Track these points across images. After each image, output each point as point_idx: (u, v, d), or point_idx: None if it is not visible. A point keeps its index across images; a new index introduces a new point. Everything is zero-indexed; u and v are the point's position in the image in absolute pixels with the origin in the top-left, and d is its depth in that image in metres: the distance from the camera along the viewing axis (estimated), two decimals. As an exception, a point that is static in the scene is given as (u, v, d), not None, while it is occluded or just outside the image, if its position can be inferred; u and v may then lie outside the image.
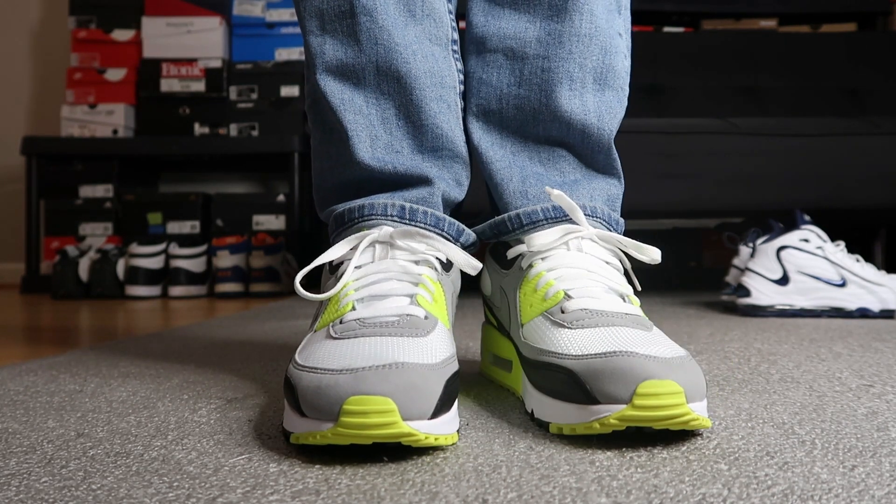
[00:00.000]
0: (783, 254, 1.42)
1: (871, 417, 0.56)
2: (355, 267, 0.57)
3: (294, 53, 2.79)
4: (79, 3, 2.79)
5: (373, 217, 0.62)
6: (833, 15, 2.77)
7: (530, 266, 0.60)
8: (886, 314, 1.37)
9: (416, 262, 0.58)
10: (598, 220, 0.65)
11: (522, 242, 0.62)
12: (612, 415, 0.46)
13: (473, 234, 0.67)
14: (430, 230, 0.63)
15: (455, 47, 0.69)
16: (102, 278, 2.31)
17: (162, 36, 2.75)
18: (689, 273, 2.48)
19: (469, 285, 0.76)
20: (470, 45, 0.70)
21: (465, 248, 0.66)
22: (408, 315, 0.52)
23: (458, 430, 0.49)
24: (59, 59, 3.04)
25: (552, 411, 0.50)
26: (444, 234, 0.64)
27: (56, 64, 3.06)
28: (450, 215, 0.67)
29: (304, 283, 0.56)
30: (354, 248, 0.59)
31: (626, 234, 0.67)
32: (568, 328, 0.53)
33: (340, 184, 0.68)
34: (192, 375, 0.76)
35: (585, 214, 0.64)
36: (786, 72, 2.50)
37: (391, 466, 0.44)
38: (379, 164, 0.65)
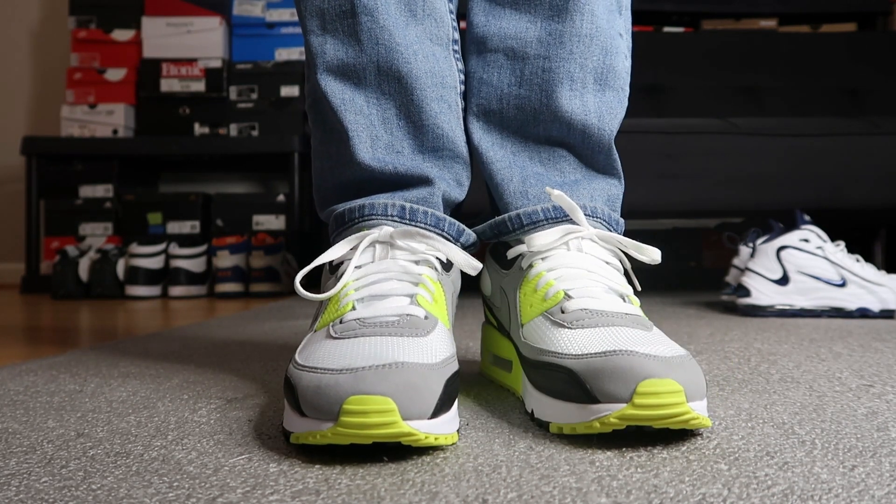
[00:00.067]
0: (783, 254, 1.42)
1: (871, 417, 0.56)
2: (355, 267, 0.57)
3: (294, 53, 2.79)
4: (79, 3, 2.79)
5: (373, 217, 0.62)
6: (833, 15, 2.77)
7: (530, 266, 0.60)
8: (886, 314, 1.37)
9: (417, 262, 0.58)
10: (599, 220, 0.65)
11: (522, 242, 0.62)
12: (612, 414, 0.46)
13: (474, 235, 0.67)
14: (430, 230, 0.63)
15: (456, 47, 0.69)
16: (102, 278, 2.31)
17: (162, 36, 2.75)
18: (689, 273, 2.48)
19: (469, 285, 0.76)
20: (470, 44, 0.70)
21: (465, 248, 0.66)
22: (408, 315, 0.52)
23: (458, 430, 0.49)
24: (59, 59, 3.04)
25: (552, 411, 0.50)
26: (445, 234, 0.64)
27: (56, 64, 3.06)
28: (450, 215, 0.67)
29: (304, 283, 0.56)
30: (354, 248, 0.59)
31: (626, 234, 0.67)
32: (568, 328, 0.53)
33: (341, 184, 0.68)
34: (192, 375, 0.76)
35: (586, 214, 0.64)
36: (786, 72, 2.50)
37: (391, 466, 0.44)
38: (379, 164, 0.65)
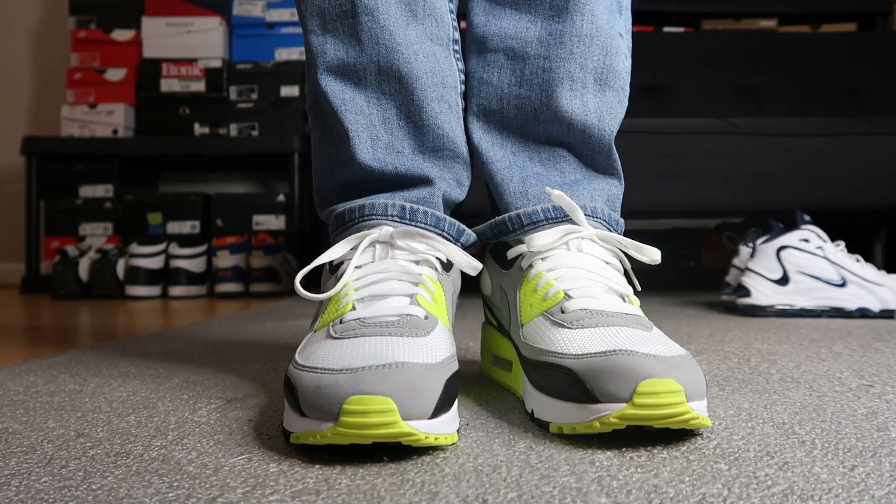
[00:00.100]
0: (783, 254, 1.42)
1: (871, 417, 0.56)
2: (355, 267, 0.57)
3: (294, 53, 2.79)
4: (79, 3, 2.79)
5: (373, 217, 0.62)
6: (833, 15, 2.77)
7: (530, 266, 0.60)
8: (886, 314, 1.37)
9: (417, 262, 0.58)
10: (599, 220, 0.65)
11: (522, 242, 0.62)
12: (612, 413, 0.46)
13: (474, 235, 0.67)
14: (430, 230, 0.63)
15: (456, 47, 0.69)
16: (102, 278, 2.31)
17: (162, 36, 2.75)
18: (689, 273, 2.48)
19: (469, 285, 0.76)
20: (471, 44, 0.70)
21: (465, 248, 0.66)
22: (408, 315, 0.52)
23: (458, 430, 0.49)
24: (59, 59, 3.04)
25: (552, 411, 0.50)
26: (445, 234, 0.64)
27: (56, 64, 3.06)
28: (450, 215, 0.67)
29: (304, 283, 0.56)
30: (354, 248, 0.59)
31: (626, 234, 0.67)
32: (568, 328, 0.53)
33: (341, 184, 0.68)
34: (192, 375, 0.76)
35: (586, 215, 0.64)
36: (786, 72, 2.50)
37: (391, 466, 0.44)
38: (379, 164, 0.65)
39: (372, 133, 0.65)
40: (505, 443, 0.49)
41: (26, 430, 0.54)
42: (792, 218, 1.46)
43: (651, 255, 0.60)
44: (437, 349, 0.49)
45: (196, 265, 2.38)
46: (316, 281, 0.68)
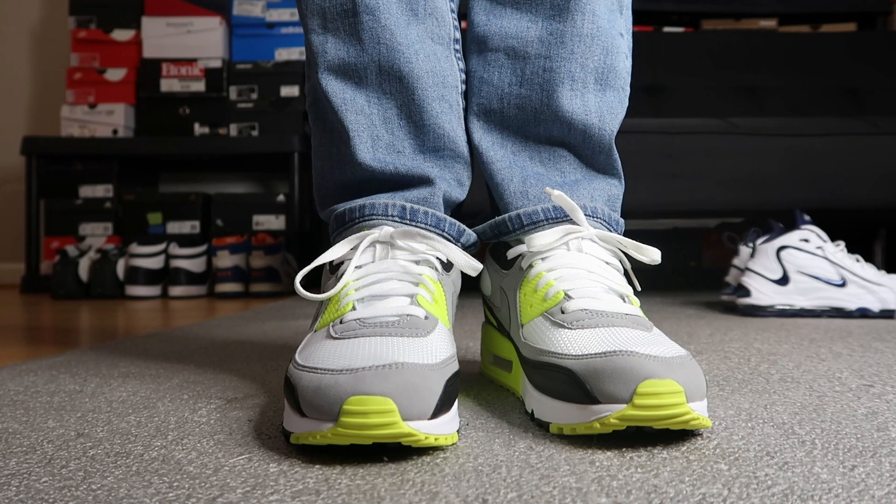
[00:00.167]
0: (783, 254, 1.42)
1: (871, 417, 0.56)
2: (356, 267, 0.57)
3: (294, 53, 2.79)
4: (79, 3, 2.79)
5: (373, 217, 0.62)
6: (833, 15, 2.77)
7: (530, 266, 0.60)
8: (886, 314, 1.37)
9: (417, 262, 0.58)
10: (599, 220, 0.65)
11: (523, 243, 0.62)
12: (612, 414, 0.46)
13: (474, 235, 0.67)
14: (430, 230, 0.63)
15: (457, 46, 0.69)
16: (102, 278, 2.31)
17: (162, 36, 2.75)
18: (689, 273, 2.48)
19: (469, 285, 0.76)
20: (471, 44, 0.70)
21: (465, 248, 0.66)
22: (408, 315, 0.52)
23: (458, 430, 0.49)
24: (59, 59, 3.03)
25: (552, 411, 0.50)
26: (445, 234, 0.64)
27: (56, 64, 3.06)
28: (450, 215, 0.67)
29: (304, 283, 0.56)
30: (355, 248, 0.59)
31: (626, 234, 0.67)
32: (568, 328, 0.53)
33: (341, 183, 0.67)
34: (192, 375, 0.76)
35: (586, 215, 0.64)
36: (786, 72, 2.50)
37: (391, 466, 0.44)
38: (380, 164, 0.65)
39: (372, 133, 0.65)
40: (505, 443, 0.49)
41: (26, 430, 0.54)
42: (792, 218, 1.46)
43: (651, 255, 0.60)
44: (437, 349, 0.49)
45: (196, 265, 2.38)
46: (316, 281, 0.68)
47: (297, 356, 0.51)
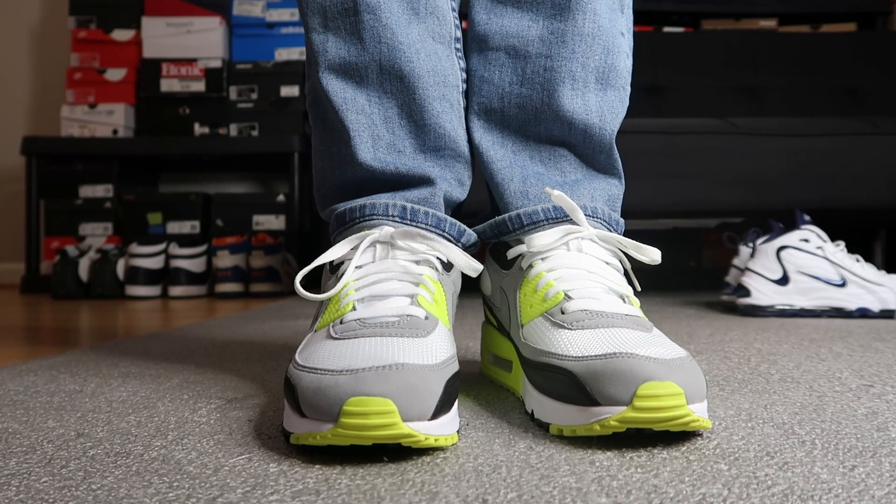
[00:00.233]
0: (783, 254, 1.42)
1: (871, 417, 0.56)
2: (356, 267, 0.57)
3: (294, 53, 2.79)
4: (79, 3, 2.79)
5: (374, 217, 0.62)
6: (833, 15, 2.77)
7: (530, 266, 0.60)
8: (886, 314, 1.37)
9: (417, 262, 0.58)
10: (599, 220, 0.65)
11: (523, 243, 0.62)
12: (612, 416, 0.46)
13: (475, 235, 0.67)
14: (431, 231, 0.63)
15: (458, 45, 0.69)
16: (102, 278, 2.31)
17: (162, 36, 2.75)
18: (689, 273, 2.48)
19: (469, 285, 0.76)
20: (472, 43, 0.70)
21: (466, 248, 0.66)
22: (408, 315, 0.52)
23: (458, 431, 0.49)
24: (59, 59, 3.04)
25: (552, 412, 0.50)
26: (446, 234, 0.64)
27: (56, 64, 3.06)
28: (451, 215, 0.67)
29: (304, 284, 0.56)
30: (355, 248, 0.59)
31: (626, 234, 0.67)
32: (568, 329, 0.53)
33: (342, 183, 0.67)
34: (192, 375, 0.76)
35: (586, 215, 0.64)
36: (786, 72, 2.50)
37: (391, 466, 0.44)
38: (381, 164, 0.65)
39: (373, 132, 0.65)
40: (505, 443, 0.49)
41: (26, 430, 0.54)
42: (792, 218, 1.46)
43: (651, 255, 0.60)
44: (437, 350, 0.49)
45: (196, 265, 2.38)
46: (316, 281, 0.68)
47: (297, 356, 0.51)
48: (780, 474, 0.42)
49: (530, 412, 0.54)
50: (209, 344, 1.03)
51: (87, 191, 2.67)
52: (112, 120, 2.70)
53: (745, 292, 1.43)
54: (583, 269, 0.58)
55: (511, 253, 0.63)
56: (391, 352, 0.47)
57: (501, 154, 0.68)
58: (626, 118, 0.70)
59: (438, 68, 0.66)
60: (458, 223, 0.65)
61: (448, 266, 0.61)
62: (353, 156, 0.65)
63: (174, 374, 0.77)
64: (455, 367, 0.50)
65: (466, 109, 0.70)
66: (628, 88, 0.70)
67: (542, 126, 0.67)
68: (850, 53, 2.53)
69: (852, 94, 2.47)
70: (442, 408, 0.45)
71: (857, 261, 1.42)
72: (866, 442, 0.49)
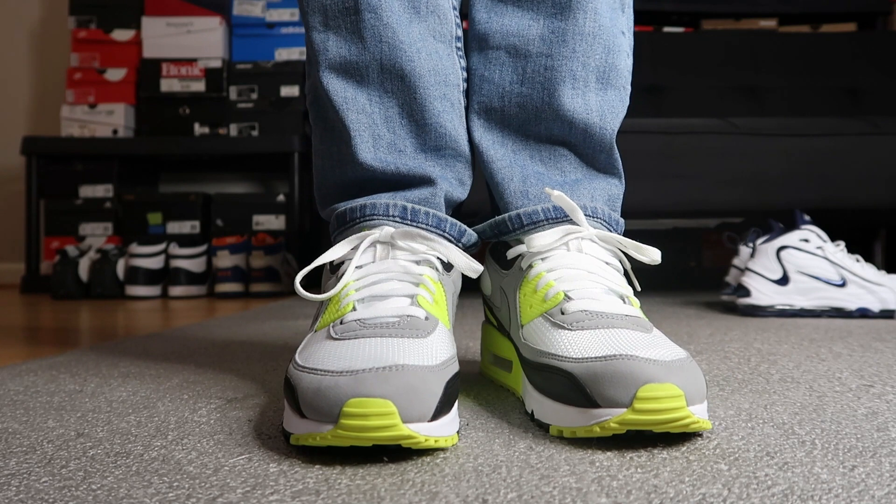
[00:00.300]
0: (783, 254, 1.42)
1: (871, 417, 0.56)
2: (356, 267, 0.57)
3: (294, 53, 2.79)
4: (79, 3, 2.79)
5: (374, 217, 0.62)
6: (833, 15, 2.77)
7: (530, 266, 0.60)
8: (886, 314, 1.37)
9: (417, 262, 0.58)
10: (599, 220, 0.65)
11: (522, 242, 0.62)
12: (612, 418, 0.46)
13: (475, 235, 0.67)
14: (431, 231, 0.62)
15: (459, 44, 0.69)
16: (102, 278, 2.31)
17: (162, 36, 2.75)
18: (689, 273, 2.48)
19: (469, 285, 0.76)
20: (472, 41, 0.70)
21: (466, 248, 0.66)
22: (408, 316, 0.52)
23: (458, 431, 0.48)
24: (59, 59, 3.04)
25: (552, 413, 0.50)
26: (446, 235, 0.64)
27: (56, 64, 3.06)
28: (451, 214, 0.67)
29: (304, 284, 0.56)
30: (355, 248, 0.59)
31: (626, 234, 0.67)
32: (568, 329, 0.53)
33: (342, 183, 0.67)
34: (192, 375, 0.76)
35: (586, 215, 0.64)
36: (786, 72, 2.50)
37: (391, 466, 0.44)
38: (381, 164, 0.65)
39: (374, 132, 0.65)
40: (505, 443, 0.49)
41: (26, 430, 0.54)
42: (792, 218, 1.46)
43: (651, 255, 0.60)
44: (437, 351, 0.49)
45: (196, 265, 2.38)
46: (316, 281, 0.68)
47: (297, 357, 0.51)
48: (780, 474, 0.42)
49: (530, 412, 0.54)
50: (209, 344, 1.03)
51: (87, 191, 2.67)
52: (112, 120, 2.70)
53: (745, 292, 1.43)
54: (583, 270, 0.58)
55: (511, 253, 0.63)
56: (391, 353, 0.47)
57: (501, 153, 0.68)
58: (626, 118, 0.70)
59: (439, 67, 0.66)
60: (459, 223, 0.65)
61: (448, 266, 0.61)
62: (353, 155, 0.65)
63: (174, 374, 0.77)
64: (455, 368, 0.50)
65: (467, 109, 0.70)
66: (629, 88, 0.70)
67: (543, 125, 0.67)
68: (850, 53, 2.53)
69: (852, 94, 2.47)
70: (442, 409, 0.45)
71: (857, 261, 1.42)
72: (866, 442, 0.49)
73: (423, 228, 0.62)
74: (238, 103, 2.72)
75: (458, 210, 0.69)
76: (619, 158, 0.69)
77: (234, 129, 2.72)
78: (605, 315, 0.54)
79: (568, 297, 0.56)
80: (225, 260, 2.34)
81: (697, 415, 0.47)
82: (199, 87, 2.72)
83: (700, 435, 0.50)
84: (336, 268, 0.59)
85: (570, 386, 0.49)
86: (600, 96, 0.67)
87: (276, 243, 2.41)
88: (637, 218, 2.04)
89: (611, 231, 0.66)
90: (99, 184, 2.67)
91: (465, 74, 0.69)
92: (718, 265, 2.40)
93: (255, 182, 3.01)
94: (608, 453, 0.46)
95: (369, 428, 0.42)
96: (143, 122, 2.76)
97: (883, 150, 1.83)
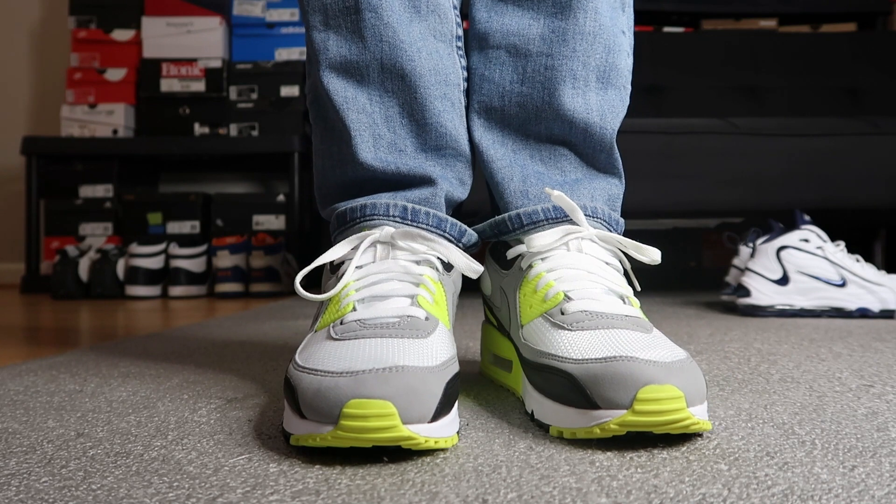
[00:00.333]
0: (783, 254, 1.42)
1: (871, 417, 0.56)
2: (356, 267, 0.57)
3: (294, 53, 2.79)
4: (79, 3, 2.79)
5: (374, 217, 0.62)
6: (833, 15, 2.77)
7: (530, 267, 0.60)
8: (886, 314, 1.37)
9: (418, 262, 0.58)
10: (599, 220, 0.65)
11: (522, 242, 0.62)
12: (612, 420, 0.46)
13: (476, 235, 0.67)
14: (431, 231, 0.62)
15: (459, 44, 0.68)
16: (102, 278, 2.31)
17: (162, 36, 2.75)
18: (689, 273, 2.48)
19: (469, 285, 0.76)
20: (473, 41, 0.70)
21: (466, 248, 0.66)
22: (408, 316, 0.52)
23: (458, 432, 0.48)
24: (59, 59, 3.04)
25: (552, 414, 0.50)
26: (446, 235, 0.64)
27: (56, 64, 3.06)
28: (451, 214, 0.67)
29: (304, 284, 0.56)
30: (355, 248, 0.59)
31: (626, 234, 0.67)
32: (568, 330, 0.53)
33: (342, 182, 0.67)
34: (192, 375, 0.76)
35: (586, 215, 0.64)
36: (786, 72, 2.50)
37: (391, 466, 0.44)
38: (382, 164, 0.65)
39: (374, 132, 0.65)
40: (505, 443, 0.49)
41: (26, 430, 0.54)
42: (792, 218, 1.46)
43: (651, 255, 0.60)
44: (437, 351, 0.49)
45: (196, 265, 2.38)
46: (316, 281, 0.68)
47: (297, 357, 0.51)
48: (780, 474, 0.42)
49: (530, 412, 0.54)
50: (209, 344, 1.03)
51: (87, 191, 2.67)
52: (112, 120, 2.70)
53: (745, 292, 1.43)
54: (582, 270, 0.58)
55: (511, 253, 0.63)
56: (391, 353, 0.47)
57: (501, 153, 0.68)
58: (626, 118, 0.70)
59: (440, 67, 0.66)
60: (459, 223, 0.65)
61: (448, 266, 0.61)
62: (353, 155, 0.65)
63: (174, 374, 0.77)
64: (455, 369, 0.50)
65: (467, 108, 0.69)
66: (629, 87, 0.70)
67: (543, 125, 0.67)
68: (850, 53, 2.53)
69: (852, 94, 2.47)
70: (442, 410, 0.45)
71: (857, 261, 1.42)
72: (866, 442, 0.49)
73: (423, 228, 0.62)
74: (238, 103, 2.72)
75: (458, 210, 0.69)
76: (620, 158, 0.69)
77: (234, 129, 2.72)
78: (604, 315, 0.54)
79: (568, 298, 0.56)
80: (225, 260, 2.34)
81: (697, 416, 0.47)
82: (199, 87, 2.72)
83: (700, 435, 0.50)
84: (336, 268, 0.59)
85: (570, 387, 0.49)
86: (601, 96, 0.67)
87: (276, 243, 2.41)
88: (637, 218, 2.04)
89: (611, 231, 0.66)
90: (99, 184, 2.67)
91: (465, 74, 0.69)
92: (718, 265, 2.40)
93: (255, 182, 3.01)
94: (608, 453, 0.46)
95: (369, 429, 0.42)
96: (143, 122, 2.76)
97: (883, 150, 1.83)
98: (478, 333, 1.05)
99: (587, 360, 0.49)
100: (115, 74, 2.75)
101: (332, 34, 0.65)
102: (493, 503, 0.38)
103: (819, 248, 1.42)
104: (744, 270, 1.47)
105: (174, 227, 2.63)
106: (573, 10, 0.66)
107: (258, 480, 0.42)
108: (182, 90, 2.72)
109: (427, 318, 0.53)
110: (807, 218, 1.46)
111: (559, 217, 0.62)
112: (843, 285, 1.39)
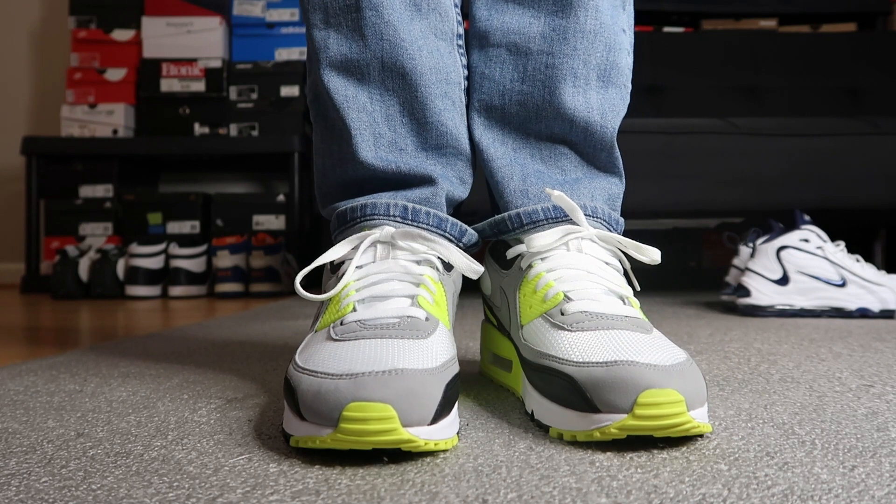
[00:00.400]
0: (783, 254, 1.42)
1: (871, 417, 0.56)
2: (356, 267, 0.57)
3: (294, 53, 2.79)
4: (79, 3, 2.79)
5: (375, 217, 0.62)
6: (833, 15, 2.77)
7: (530, 266, 0.60)
8: (886, 314, 1.37)
9: (418, 262, 0.57)
10: (599, 220, 0.65)
11: (522, 242, 0.62)
12: (612, 424, 0.46)
13: (476, 235, 0.66)
14: (432, 231, 0.62)
15: (460, 42, 0.68)
16: (102, 278, 2.31)
17: (162, 36, 2.75)
18: (689, 273, 2.48)
19: (469, 285, 0.76)
20: (473, 39, 0.70)
21: (467, 248, 0.66)
22: (409, 317, 0.52)
23: (458, 433, 0.48)
24: (59, 59, 3.04)
25: (552, 415, 0.50)
26: (447, 235, 0.63)
27: (56, 64, 3.06)
28: (451, 213, 0.67)
29: (303, 284, 0.56)
30: (356, 248, 0.59)
31: (626, 234, 0.67)
32: (568, 331, 0.53)
33: (343, 182, 0.67)
34: (192, 375, 0.76)
35: (586, 214, 0.64)
36: (786, 72, 2.50)
37: (391, 467, 0.44)
38: (382, 163, 0.65)
39: (374, 131, 0.65)
40: (505, 443, 0.49)
41: (26, 430, 0.54)
42: (792, 218, 1.46)
43: (651, 255, 0.60)
44: (437, 352, 0.49)
45: (196, 265, 2.38)
46: (316, 281, 0.68)
47: (297, 357, 0.51)
48: (780, 474, 0.42)
49: (530, 412, 0.54)
50: (209, 344, 1.03)
51: (87, 191, 2.67)
52: (112, 120, 2.70)
53: (745, 292, 1.43)
54: (582, 270, 0.58)
55: (510, 253, 0.63)
56: (391, 355, 0.47)
57: (502, 152, 0.68)
58: (626, 118, 0.70)
59: (440, 65, 0.65)
60: (460, 223, 0.65)
61: (449, 266, 0.61)
62: (354, 154, 0.65)
63: (174, 374, 0.77)
64: (455, 369, 0.50)
65: (467, 107, 0.69)
66: (629, 86, 0.69)
67: (543, 123, 0.67)
68: (850, 53, 2.53)
69: (852, 94, 2.47)
70: (442, 412, 0.45)
71: (857, 261, 1.42)
72: (866, 442, 0.49)
73: (423, 228, 0.62)
74: (238, 103, 2.72)
75: (458, 209, 0.69)
76: (620, 157, 0.69)
77: (234, 129, 2.72)
78: (604, 316, 0.54)
79: (567, 298, 0.56)
80: (225, 260, 2.34)
81: (698, 419, 0.47)
82: (199, 87, 2.72)
83: (700, 435, 0.50)
84: (336, 268, 0.59)
85: (571, 390, 0.49)
86: (601, 94, 0.67)
87: (276, 243, 2.41)
88: (637, 218, 2.04)
89: (611, 231, 0.66)
90: (99, 184, 2.67)
91: (466, 72, 0.69)
92: (718, 265, 2.40)
93: (255, 182, 3.01)
94: (608, 453, 0.46)
95: (369, 432, 0.42)
96: (143, 122, 2.76)
97: (883, 150, 1.83)
98: (478, 333, 1.05)
99: (588, 362, 0.49)
100: (115, 74, 2.75)
101: (333, 32, 0.65)
102: (493, 503, 0.38)
103: (819, 248, 1.42)
104: (744, 270, 1.47)
105: (174, 227, 2.63)
106: (574, 9, 0.66)
107: (258, 480, 0.42)
108: (182, 90, 2.72)
109: (427, 319, 0.53)
110: (807, 218, 1.46)
111: (559, 217, 0.62)
112: (843, 285, 1.39)
